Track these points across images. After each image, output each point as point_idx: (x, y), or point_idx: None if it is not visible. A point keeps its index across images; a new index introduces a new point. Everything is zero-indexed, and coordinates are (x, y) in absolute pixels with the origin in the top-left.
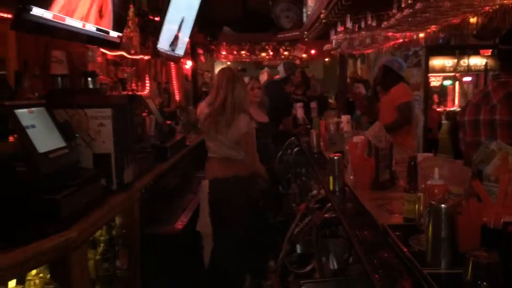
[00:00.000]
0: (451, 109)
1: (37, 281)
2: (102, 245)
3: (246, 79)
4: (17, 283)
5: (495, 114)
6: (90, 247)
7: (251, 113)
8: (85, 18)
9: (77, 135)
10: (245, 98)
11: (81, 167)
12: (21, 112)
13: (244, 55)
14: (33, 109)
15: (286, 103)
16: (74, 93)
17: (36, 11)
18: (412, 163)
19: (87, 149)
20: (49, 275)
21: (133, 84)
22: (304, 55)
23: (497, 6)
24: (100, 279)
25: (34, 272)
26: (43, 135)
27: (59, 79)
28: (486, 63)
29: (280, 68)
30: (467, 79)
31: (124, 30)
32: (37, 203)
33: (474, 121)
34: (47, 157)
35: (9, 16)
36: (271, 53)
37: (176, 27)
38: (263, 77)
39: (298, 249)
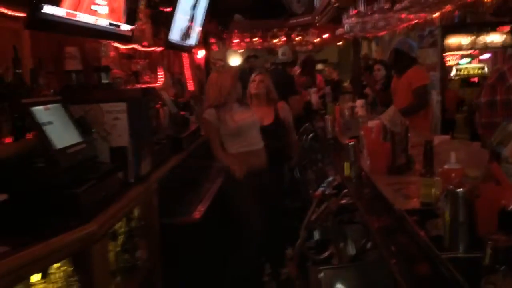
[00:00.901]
0: None
1: (60, 274)
2: (121, 236)
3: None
4: (41, 277)
5: (511, 94)
6: (110, 239)
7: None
8: (96, 12)
9: (93, 130)
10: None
11: (99, 161)
12: (37, 109)
13: (256, 42)
14: (49, 106)
15: (290, 81)
16: (88, 88)
17: (47, 8)
18: (428, 147)
19: (104, 143)
20: (71, 268)
21: (147, 77)
22: (317, 40)
23: None
24: (120, 270)
25: (57, 265)
26: (60, 131)
27: (73, 75)
28: (505, 40)
29: (286, 51)
30: (485, 56)
31: (136, 23)
32: (58, 198)
33: (490, 101)
34: (65, 153)
35: (22, 14)
36: (283, 39)
37: (188, 17)
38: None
39: (316, 235)
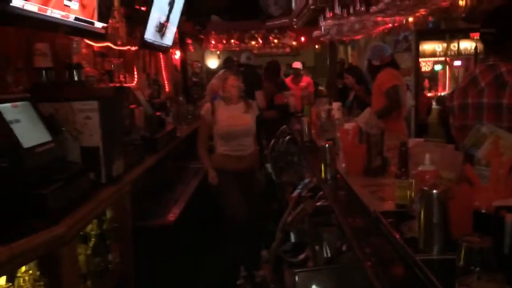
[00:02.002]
0: (442, 93)
1: (26, 278)
2: (93, 239)
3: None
4: (7, 281)
5: (483, 97)
6: (80, 242)
7: None
8: (66, 8)
9: (63, 129)
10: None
11: (69, 161)
12: (4, 107)
13: (233, 44)
14: (17, 103)
15: (258, 80)
16: (59, 86)
17: (16, 2)
18: (403, 148)
19: (75, 142)
20: (38, 272)
21: (121, 76)
22: (294, 43)
23: None
24: (91, 274)
25: (23, 268)
26: (28, 129)
27: (44, 72)
28: (476, 46)
29: (250, 56)
30: (458, 63)
31: (110, 21)
32: (24, 199)
33: (462, 104)
34: (32, 152)
35: None
36: (260, 41)
37: (164, 16)
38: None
39: (292, 238)
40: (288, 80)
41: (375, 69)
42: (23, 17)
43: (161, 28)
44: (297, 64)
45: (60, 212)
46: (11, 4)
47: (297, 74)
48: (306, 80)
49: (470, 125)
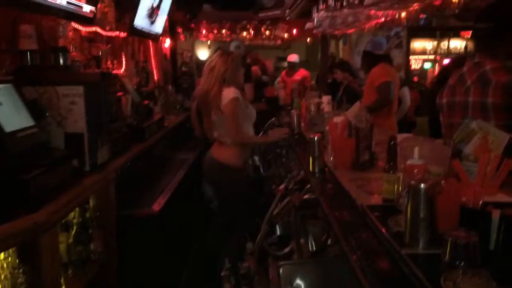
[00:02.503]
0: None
1: (5, 264)
2: (75, 227)
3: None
4: None
5: (469, 96)
6: (62, 230)
7: None
8: None
9: (47, 114)
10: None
11: (52, 147)
12: None
13: (224, 34)
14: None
15: (249, 73)
16: (44, 69)
17: None
18: (392, 143)
19: (58, 128)
20: (17, 260)
21: (109, 62)
22: (285, 35)
23: None
24: (73, 263)
25: (2, 256)
26: (10, 113)
27: (28, 54)
28: (466, 45)
29: (240, 45)
30: (447, 61)
31: (99, 5)
32: (4, 184)
33: (450, 102)
34: (14, 136)
35: None
36: (252, 32)
37: (155, 4)
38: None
39: (278, 230)
40: (283, 73)
41: (370, 61)
42: None
43: (151, 15)
44: (292, 57)
45: (41, 198)
46: None
47: (291, 67)
48: (301, 73)
49: (457, 124)
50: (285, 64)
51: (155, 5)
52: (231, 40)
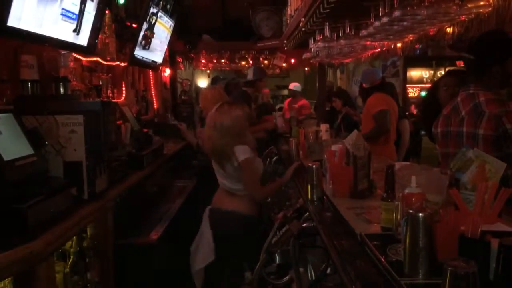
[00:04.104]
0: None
1: None
2: (72, 257)
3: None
4: None
5: (463, 126)
6: (59, 259)
7: None
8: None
9: (46, 143)
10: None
11: (50, 175)
12: None
13: (223, 63)
14: (0, 115)
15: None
16: (44, 99)
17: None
18: (390, 171)
19: (57, 157)
20: None
21: (109, 91)
22: (284, 64)
23: (473, 15)
24: None
25: None
26: (10, 142)
27: (29, 84)
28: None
29: (250, 71)
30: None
31: (100, 36)
32: (2, 212)
33: (444, 132)
34: (12, 165)
35: None
36: (251, 61)
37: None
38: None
39: (277, 259)
40: (286, 102)
41: (365, 92)
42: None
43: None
44: (292, 85)
45: (39, 227)
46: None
47: (293, 95)
48: (300, 102)
49: (451, 153)
50: (285, 92)
51: (148, 33)
52: (231, 72)
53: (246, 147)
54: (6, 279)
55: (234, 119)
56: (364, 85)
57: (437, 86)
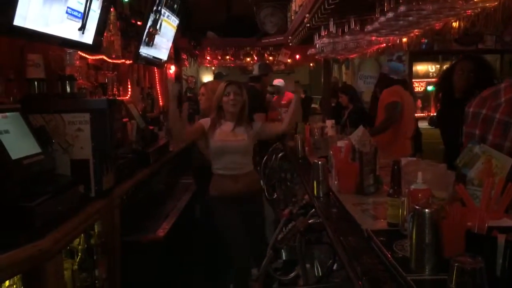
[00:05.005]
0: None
1: None
2: (80, 254)
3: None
4: None
5: (497, 112)
6: (67, 257)
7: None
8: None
9: (53, 141)
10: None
11: (58, 173)
12: None
13: (228, 60)
14: (7, 114)
15: (261, 101)
16: (50, 97)
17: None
18: (396, 167)
19: (64, 155)
20: (23, 287)
21: (115, 89)
22: (288, 60)
23: (479, 10)
24: None
25: (7, 283)
26: (17, 141)
27: (35, 83)
28: None
29: (255, 67)
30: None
31: (105, 34)
32: (10, 211)
33: (476, 113)
34: (20, 164)
35: None
36: (255, 58)
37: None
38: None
39: (283, 255)
40: (273, 100)
41: (387, 82)
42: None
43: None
44: (277, 81)
45: (46, 225)
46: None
47: (278, 91)
48: (286, 97)
49: (476, 135)
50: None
51: (152, 30)
52: (236, 68)
53: (206, 119)
54: (16, 277)
55: None
56: (392, 76)
57: (453, 69)
